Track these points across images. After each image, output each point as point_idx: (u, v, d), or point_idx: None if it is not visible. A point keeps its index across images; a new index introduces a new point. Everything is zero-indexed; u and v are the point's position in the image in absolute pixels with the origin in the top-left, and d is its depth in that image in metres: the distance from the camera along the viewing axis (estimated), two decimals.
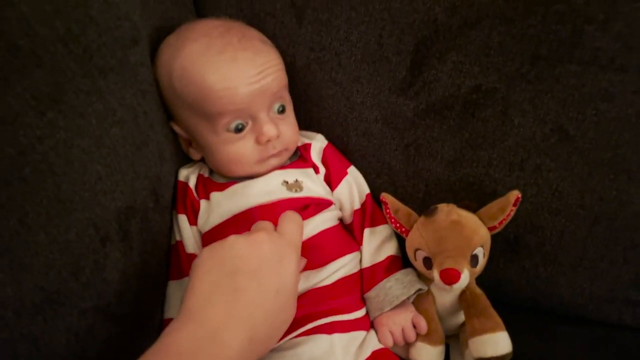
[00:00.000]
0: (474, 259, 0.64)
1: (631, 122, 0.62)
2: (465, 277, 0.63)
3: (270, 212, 0.66)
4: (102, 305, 0.54)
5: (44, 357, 0.48)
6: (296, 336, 0.62)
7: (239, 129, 0.66)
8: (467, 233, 0.64)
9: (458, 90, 0.68)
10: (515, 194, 0.65)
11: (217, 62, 0.64)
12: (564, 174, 0.66)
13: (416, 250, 0.67)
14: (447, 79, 0.68)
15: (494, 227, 0.66)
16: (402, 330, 0.66)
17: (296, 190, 0.68)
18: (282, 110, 0.69)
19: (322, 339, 0.62)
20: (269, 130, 0.66)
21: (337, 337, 0.63)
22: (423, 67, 0.68)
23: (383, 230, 0.72)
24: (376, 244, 0.71)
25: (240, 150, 0.67)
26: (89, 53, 0.55)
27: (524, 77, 0.64)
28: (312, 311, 0.64)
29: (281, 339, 0.61)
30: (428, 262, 0.66)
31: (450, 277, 0.63)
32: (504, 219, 0.65)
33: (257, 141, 0.67)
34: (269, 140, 0.66)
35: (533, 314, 0.74)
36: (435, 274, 0.64)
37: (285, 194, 0.68)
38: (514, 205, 0.65)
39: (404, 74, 0.69)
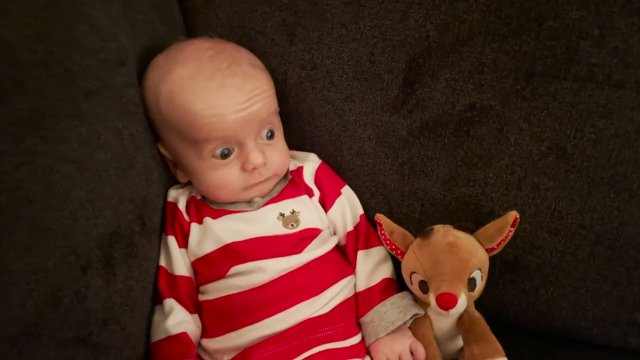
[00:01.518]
0: (471, 283, 0.62)
1: (630, 139, 0.61)
2: (463, 302, 0.61)
3: (267, 245, 0.66)
4: (83, 335, 0.52)
5: None
6: None
7: (225, 155, 0.65)
8: (464, 255, 0.62)
9: (452, 108, 0.67)
10: (513, 215, 0.63)
11: (205, 88, 0.63)
12: (563, 193, 0.65)
13: (412, 273, 0.65)
14: (441, 97, 0.67)
15: (492, 249, 0.64)
16: (400, 358, 0.64)
17: (292, 226, 0.67)
18: (270, 136, 0.68)
19: None
20: (255, 158, 0.65)
21: None
22: (416, 85, 0.67)
23: (377, 252, 0.71)
24: (370, 267, 0.69)
25: (225, 176, 0.66)
26: (72, 76, 0.55)
27: (519, 94, 0.63)
28: (305, 339, 0.62)
29: None
30: (424, 286, 0.64)
31: (447, 302, 0.61)
32: (503, 240, 0.64)
33: (243, 168, 0.65)
34: (255, 168, 0.65)
35: (535, 337, 0.72)
36: (432, 298, 0.62)
37: (281, 231, 0.67)
38: (513, 226, 0.63)
39: (397, 92, 0.69)
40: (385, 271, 0.70)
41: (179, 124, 0.64)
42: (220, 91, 0.63)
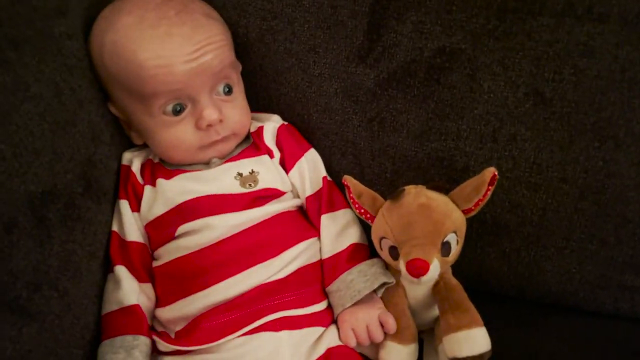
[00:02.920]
0: (445, 247, 0.59)
1: (615, 80, 0.58)
2: (435, 268, 0.58)
3: (220, 203, 0.63)
4: (8, 299, 0.50)
5: None
6: (240, 336, 0.58)
7: (177, 111, 0.62)
8: (437, 217, 0.59)
9: (420, 54, 0.64)
10: (491, 171, 0.59)
11: (149, 37, 0.60)
12: (542, 143, 0.63)
13: (381, 238, 0.62)
14: (408, 42, 0.64)
15: (469, 210, 0.61)
16: (367, 328, 0.61)
17: (250, 185, 0.65)
18: (228, 91, 0.65)
19: (267, 337, 0.58)
20: (210, 114, 0.62)
21: (285, 334, 0.58)
22: (381, 30, 0.65)
23: (344, 215, 0.67)
24: (336, 231, 0.66)
25: (178, 134, 0.63)
26: None
27: (491, 34, 0.61)
28: (260, 306, 0.59)
29: (225, 336, 0.58)
30: (394, 252, 0.61)
31: (417, 268, 0.58)
32: (480, 200, 0.60)
33: (197, 126, 0.63)
34: (210, 125, 0.63)
35: (518, 304, 0.71)
36: (402, 265, 0.59)
37: (237, 190, 0.65)
38: (491, 184, 0.59)
39: (362, 39, 0.66)
40: (353, 235, 0.66)
41: (125, 78, 0.61)
42: (165, 40, 0.60)
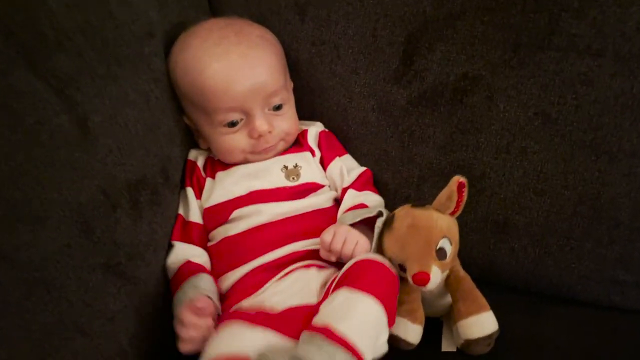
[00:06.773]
0: (440, 252, 0.64)
1: (610, 105, 0.65)
2: (436, 275, 0.63)
3: (268, 194, 0.72)
4: (113, 263, 0.60)
5: (55, 300, 0.54)
6: (277, 280, 0.68)
7: (233, 124, 0.71)
8: (424, 232, 0.64)
9: (447, 78, 0.71)
10: (455, 180, 0.64)
11: (211, 55, 0.69)
12: (548, 155, 0.69)
13: (390, 259, 0.66)
14: (437, 68, 0.72)
15: (454, 212, 0.66)
16: (345, 240, 0.66)
17: (294, 179, 0.74)
18: (278, 107, 0.73)
19: (300, 272, 0.68)
20: (261, 125, 0.71)
21: (314, 270, 0.68)
22: (414, 57, 0.72)
23: (370, 195, 0.75)
24: (358, 198, 0.73)
25: (233, 142, 0.72)
26: (106, 43, 0.62)
27: (507, 64, 0.68)
28: (291, 264, 0.69)
29: (264, 284, 0.67)
30: (403, 268, 0.66)
31: (420, 280, 0.63)
32: (459, 202, 0.65)
33: (250, 135, 0.72)
34: (260, 135, 0.71)
35: (525, 295, 0.75)
36: (409, 279, 0.64)
37: (283, 183, 0.73)
38: (460, 190, 0.64)
39: (397, 64, 0.74)
40: (371, 201, 0.73)
41: (192, 95, 0.71)
42: (224, 57, 0.69)
